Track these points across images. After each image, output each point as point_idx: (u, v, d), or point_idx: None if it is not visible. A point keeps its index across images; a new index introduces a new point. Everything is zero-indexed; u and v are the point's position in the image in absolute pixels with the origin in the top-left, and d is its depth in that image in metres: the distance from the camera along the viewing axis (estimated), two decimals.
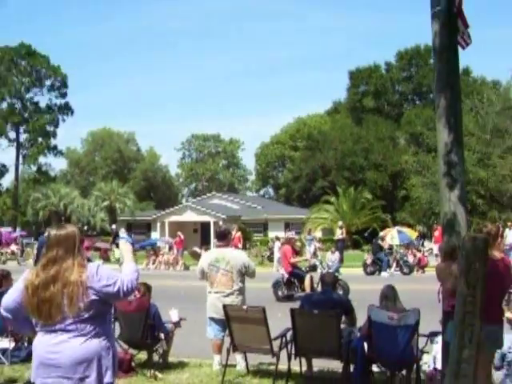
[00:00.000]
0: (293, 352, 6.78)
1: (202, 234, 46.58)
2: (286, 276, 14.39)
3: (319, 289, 9.46)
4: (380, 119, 52.89)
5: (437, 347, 6.78)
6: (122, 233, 29.12)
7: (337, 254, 22.06)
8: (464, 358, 3.73)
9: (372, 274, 22.17)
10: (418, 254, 24.26)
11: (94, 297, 3.48)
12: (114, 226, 38.35)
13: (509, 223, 28.24)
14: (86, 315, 3.48)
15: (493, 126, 37.71)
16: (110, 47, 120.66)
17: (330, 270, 16.95)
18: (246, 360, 7.41)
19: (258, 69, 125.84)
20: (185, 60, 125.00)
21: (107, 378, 3.57)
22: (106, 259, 27.94)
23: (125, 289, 3.55)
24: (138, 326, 7.32)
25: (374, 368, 6.70)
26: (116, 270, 3.84)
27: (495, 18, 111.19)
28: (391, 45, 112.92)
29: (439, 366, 6.04)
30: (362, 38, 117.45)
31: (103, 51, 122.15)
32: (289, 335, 6.82)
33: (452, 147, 5.57)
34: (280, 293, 14.50)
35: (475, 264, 3.71)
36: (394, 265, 22.74)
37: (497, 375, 6.84)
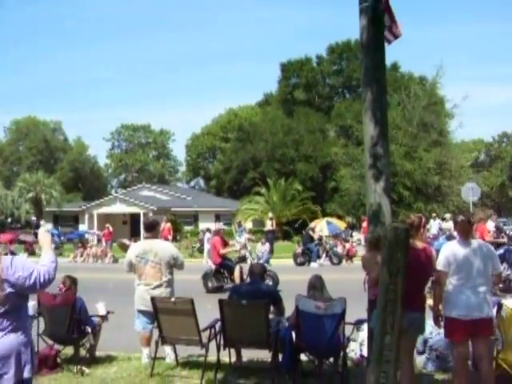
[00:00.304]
0: (222, 343, 6.79)
1: (131, 226, 45.90)
2: (216, 267, 14.39)
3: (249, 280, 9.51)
4: (310, 111, 53.51)
5: (363, 335, 6.98)
6: (43, 224, 28.32)
7: (267, 245, 22.26)
8: (386, 344, 3.85)
9: (302, 264, 22.51)
10: (347, 245, 24.80)
11: (9, 289, 3.37)
12: (34, 218, 37.12)
13: (433, 214, 29.34)
14: (2, 309, 3.37)
15: (419, 121, 38.92)
16: (34, 31, 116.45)
17: (261, 261, 17.09)
18: (175, 352, 7.37)
19: (189, 59, 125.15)
20: (115, 48, 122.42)
21: (26, 373, 3.47)
22: (32, 252, 27.04)
23: (41, 280, 3.45)
24: (63, 320, 7.14)
25: (302, 357, 6.81)
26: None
27: (423, 16, 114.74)
28: (323, 38, 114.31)
29: (365, 352, 6.21)
30: (295, 30, 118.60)
31: (27, 35, 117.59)
32: (218, 326, 6.83)
33: (378, 140, 5.70)
34: (210, 284, 14.49)
35: (397, 253, 3.82)
36: (324, 255, 23.15)
37: (419, 359, 7.12)
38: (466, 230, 5.57)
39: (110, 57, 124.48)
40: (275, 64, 60.01)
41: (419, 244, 5.46)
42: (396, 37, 6.12)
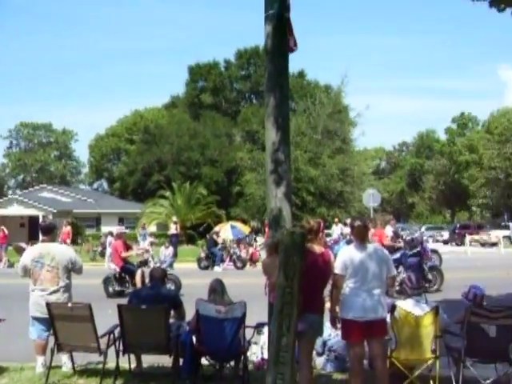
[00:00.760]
0: (121, 349, 6.63)
1: (29, 229, 43.93)
2: (118, 271, 14.08)
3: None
4: (217, 116, 53.66)
5: (264, 338, 7.05)
6: None
7: (170, 248, 21.99)
8: (283, 346, 3.90)
9: (206, 268, 22.46)
10: (251, 249, 25.00)
11: None
12: None
13: (336, 219, 30.20)
14: None
15: (323, 128, 39.97)
16: None
17: (164, 265, 16.88)
18: (72, 360, 7.10)
19: (95, 58, 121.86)
20: (13, 43, 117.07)
21: None
22: None
23: None
24: None
25: (203, 361, 6.77)
26: None
27: (330, 26, 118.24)
28: (232, 43, 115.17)
29: (267, 355, 6.27)
30: (204, 34, 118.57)
31: None
32: (117, 332, 6.67)
33: (279, 146, 5.79)
34: (111, 289, 14.15)
35: (293, 257, 3.89)
36: (228, 259, 23.23)
37: (319, 361, 7.29)
38: (361, 235, 5.77)
39: (8, 52, 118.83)
40: (183, 67, 59.70)
41: (317, 248, 5.59)
42: (292, 50, 6.25)
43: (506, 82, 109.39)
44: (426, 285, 14.55)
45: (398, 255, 14.77)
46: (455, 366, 6.39)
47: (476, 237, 39.43)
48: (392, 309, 6.04)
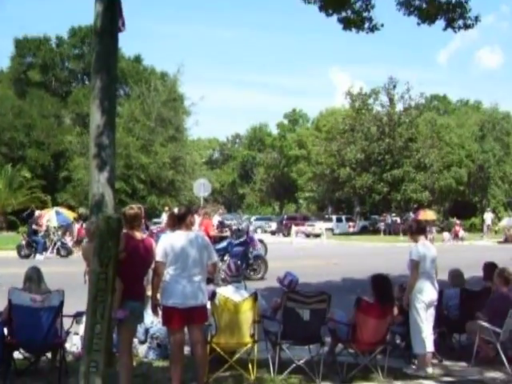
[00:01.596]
0: None
1: None
2: None
3: None
4: (46, 95, 50.61)
5: (84, 327, 6.82)
6: None
7: None
8: (96, 334, 3.81)
9: (27, 257, 21.21)
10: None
11: None
12: None
13: (166, 208, 30.15)
14: None
15: (157, 115, 39.61)
16: None
17: None
18: None
19: None
20: None
21: None
22: None
23: None
24: None
25: (17, 354, 6.39)
26: None
27: (168, 13, 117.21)
28: (65, 19, 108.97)
29: None
30: (35, 5, 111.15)
31: None
32: None
33: (104, 130, 5.64)
34: None
35: (108, 243, 3.81)
36: (51, 247, 22.17)
37: (141, 348, 7.23)
38: (173, 223, 5.81)
39: None
40: (8, 38, 55.60)
41: (139, 235, 5.53)
42: (120, 30, 6.14)
43: (336, 84, 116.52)
44: (251, 273, 15.13)
45: (224, 244, 15.15)
46: (272, 349, 6.70)
47: (302, 228, 41.63)
48: (212, 295, 6.17)
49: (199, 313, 5.67)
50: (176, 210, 5.96)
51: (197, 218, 14.35)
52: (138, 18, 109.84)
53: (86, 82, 55.80)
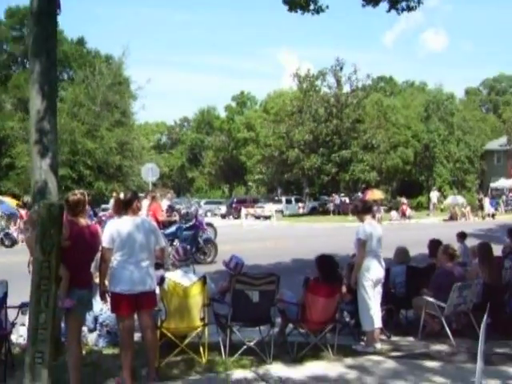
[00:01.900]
0: None
1: None
2: None
3: None
4: None
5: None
6: None
7: None
8: (41, 323, 3.73)
9: None
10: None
11: None
12: None
13: (114, 193, 29.67)
14: None
15: (103, 99, 38.83)
16: None
17: None
18: None
19: None
20: None
21: None
22: None
23: None
24: None
25: None
26: None
27: None
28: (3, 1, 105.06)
29: None
30: None
31: None
32: None
33: (45, 115, 5.47)
34: None
35: (50, 230, 3.72)
36: None
37: (91, 337, 7.13)
38: (119, 208, 5.73)
39: None
40: None
41: (83, 221, 5.42)
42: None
43: (284, 66, 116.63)
44: (201, 257, 15.10)
45: (173, 229, 15.05)
46: (223, 331, 6.72)
47: (251, 210, 41.77)
48: (161, 280, 6.12)
49: (148, 298, 5.62)
50: (122, 196, 5.85)
51: (145, 202, 14.20)
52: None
53: (27, 66, 54.12)
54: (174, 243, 14.66)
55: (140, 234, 5.57)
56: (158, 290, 6.02)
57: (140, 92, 40.74)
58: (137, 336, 6.04)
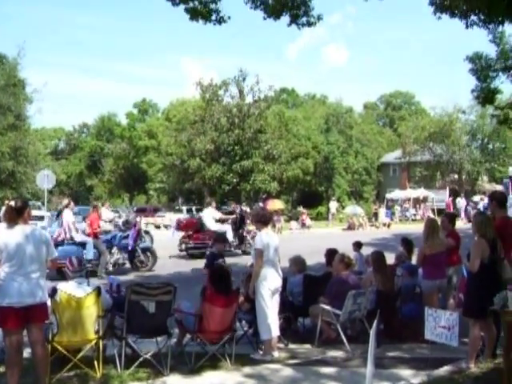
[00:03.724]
0: None
1: None
2: None
3: None
4: None
5: None
6: None
7: None
8: None
9: None
10: None
11: None
12: None
13: (6, 202, 28.25)
14: None
15: None
16: None
17: None
18: None
19: None
20: None
21: None
22: None
23: None
24: None
25: None
26: None
27: None
28: None
29: None
30: None
31: None
32: None
33: None
34: None
35: None
36: None
37: None
38: (12, 217, 5.45)
39: None
40: None
41: None
42: None
43: (188, 74, 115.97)
44: (139, 265, 14.82)
45: (108, 237, 14.97)
46: (119, 343, 6.54)
47: (151, 219, 41.17)
48: (53, 292, 5.88)
49: (38, 311, 5.38)
50: (13, 204, 5.55)
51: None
52: None
53: None
54: (112, 251, 14.72)
55: (30, 245, 5.31)
56: (49, 303, 5.77)
57: (36, 95, 39.08)
58: (26, 352, 5.75)
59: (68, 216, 14.29)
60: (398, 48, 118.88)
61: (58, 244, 12.92)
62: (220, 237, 10.99)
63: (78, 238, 14.12)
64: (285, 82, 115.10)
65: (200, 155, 43.08)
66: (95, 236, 14.16)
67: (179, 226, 20.33)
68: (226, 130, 42.90)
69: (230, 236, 17.89)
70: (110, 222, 17.65)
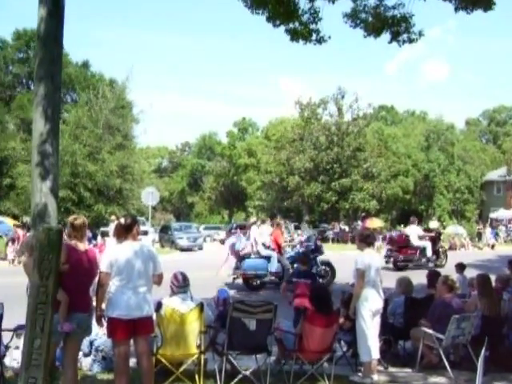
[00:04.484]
0: None
1: None
2: None
3: None
4: None
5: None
6: None
7: None
8: (36, 348, 3.69)
9: None
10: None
11: None
12: None
13: (113, 217, 29.63)
14: None
15: (105, 122, 38.95)
16: None
17: None
18: None
19: None
20: None
21: None
22: None
23: None
24: None
25: None
26: None
27: (117, 19, 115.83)
28: (8, 22, 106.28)
29: None
30: None
31: None
32: None
33: (47, 138, 5.50)
34: None
35: (49, 255, 3.71)
36: None
37: (86, 361, 7.06)
38: (122, 233, 5.72)
39: None
40: None
41: (82, 246, 5.42)
42: None
43: (286, 93, 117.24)
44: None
45: (292, 253, 15.96)
46: (219, 359, 6.65)
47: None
48: (158, 306, 6.09)
49: (145, 324, 5.59)
50: (122, 221, 5.84)
51: (255, 229, 15.43)
52: (86, 23, 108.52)
53: (31, 87, 54.44)
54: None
55: (138, 260, 5.55)
56: (154, 316, 5.98)
57: (142, 116, 40.93)
58: (132, 362, 5.98)
59: (254, 232, 15.46)
60: (501, 61, 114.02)
61: (244, 257, 14.65)
62: (303, 257, 10.99)
63: (264, 252, 14.96)
64: (383, 99, 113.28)
65: (299, 173, 43.21)
66: (279, 251, 15.15)
67: (390, 241, 21.21)
68: (324, 148, 42.81)
69: (429, 252, 19.32)
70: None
